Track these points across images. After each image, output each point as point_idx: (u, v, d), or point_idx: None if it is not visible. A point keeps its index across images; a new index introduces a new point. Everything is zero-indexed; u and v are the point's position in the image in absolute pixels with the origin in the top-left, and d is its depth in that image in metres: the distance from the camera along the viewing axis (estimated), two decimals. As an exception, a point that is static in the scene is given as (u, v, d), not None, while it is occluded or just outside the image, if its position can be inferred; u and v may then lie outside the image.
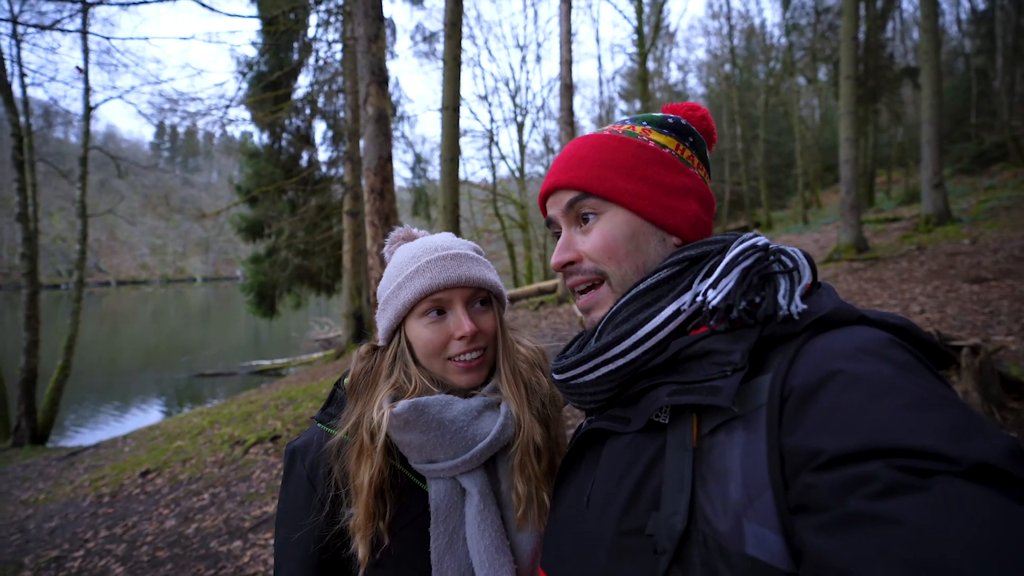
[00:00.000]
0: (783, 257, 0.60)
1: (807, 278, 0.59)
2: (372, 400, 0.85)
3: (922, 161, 10.51)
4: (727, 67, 27.91)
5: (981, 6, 21.82)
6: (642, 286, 0.65)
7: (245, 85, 13.24)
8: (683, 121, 0.75)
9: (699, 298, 0.60)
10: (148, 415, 11.19)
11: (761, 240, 0.62)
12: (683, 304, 0.61)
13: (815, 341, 0.52)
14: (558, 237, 0.78)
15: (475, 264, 0.89)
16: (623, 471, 0.59)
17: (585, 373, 0.66)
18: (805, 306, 0.55)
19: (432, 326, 0.86)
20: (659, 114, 0.76)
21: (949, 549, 0.34)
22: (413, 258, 0.90)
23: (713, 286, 0.59)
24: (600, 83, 30.62)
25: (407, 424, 0.80)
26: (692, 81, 37.40)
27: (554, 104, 25.47)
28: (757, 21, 29.65)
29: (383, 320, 0.91)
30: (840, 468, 0.42)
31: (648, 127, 0.74)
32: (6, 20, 9.33)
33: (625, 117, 0.78)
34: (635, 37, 20.47)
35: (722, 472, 0.50)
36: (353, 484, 0.81)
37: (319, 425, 0.89)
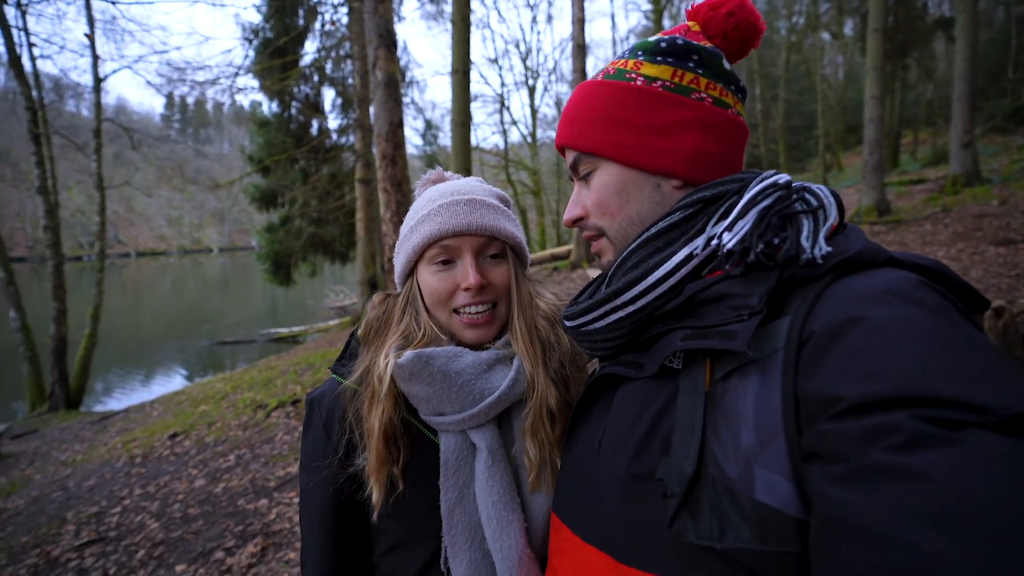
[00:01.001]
0: (807, 195, 0.57)
1: (833, 218, 0.55)
2: (381, 348, 0.84)
3: (952, 119, 10.04)
4: (748, 22, 26.53)
5: (1026, -51, 20.30)
6: (653, 230, 0.63)
7: (252, 52, 13.06)
8: (680, 40, 0.66)
9: (713, 241, 0.57)
10: (172, 381, 11.61)
11: (783, 178, 0.58)
12: (695, 248, 0.58)
13: (839, 283, 0.49)
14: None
15: (490, 212, 0.85)
16: (635, 416, 0.59)
17: (596, 320, 0.64)
18: (830, 248, 0.52)
19: (439, 274, 0.83)
20: (654, 39, 0.68)
21: (982, 507, 0.32)
22: (429, 201, 0.87)
23: (729, 228, 0.56)
24: (614, 43, 29.45)
25: (412, 375, 0.79)
26: (711, 38, 35.82)
27: (566, 66, 24.71)
28: (781, -28, 27.98)
29: (397, 263, 0.89)
30: (861, 416, 0.39)
31: (641, 59, 0.68)
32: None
33: (626, 49, 0.72)
34: (651, -8, 19.54)
35: (734, 417, 0.49)
36: (366, 426, 0.82)
37: (334, 376, 0.89)
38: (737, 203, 0.58)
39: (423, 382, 0.79)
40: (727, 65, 0.68)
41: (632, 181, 0.68)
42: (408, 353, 0.80)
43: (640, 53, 0.69)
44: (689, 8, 0.71)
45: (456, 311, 0.84)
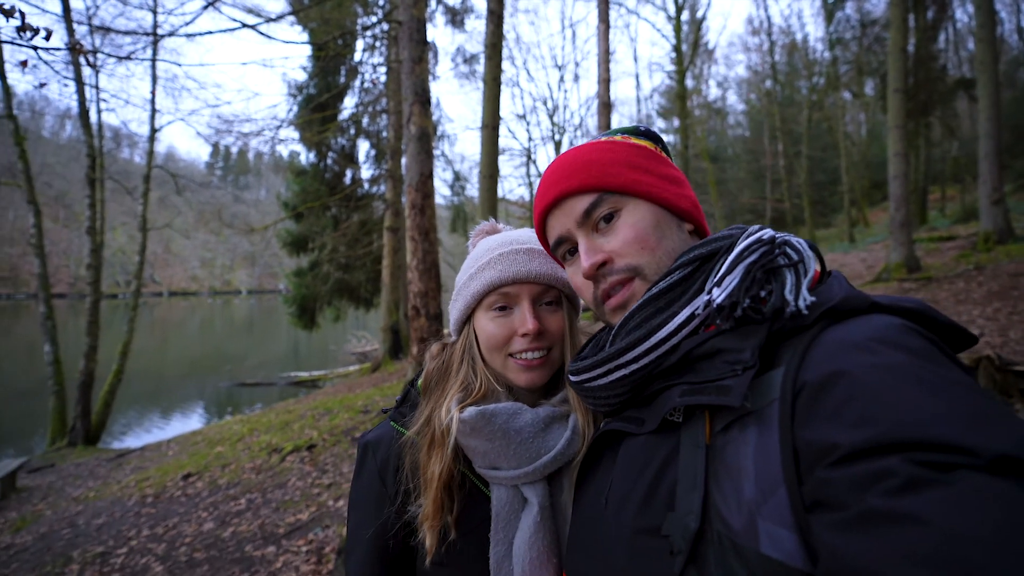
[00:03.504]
0: (788, 249, 0.59)
1: (813, 269, 0.58)
2: (443, 399, 0.86)
3: (980, 176, 9.92)
4: (768, 83, 27.39)
5: (1045, 15, 20.68)
6: (655, 290, 0.65)
7: (295, 107, 13.96)
8: (652, 129, 0.78)
9: (706, 298, 0.59)
10: (191, 421, 11.67)
11: (767, 233, 0.61)
12: (697, 308, 0.60)
13: (827, 333, 0.51)
14: (567, 258, 0.76)
15: (547, 261, 0.87)
16: (639, 471, 0.59)
17: (600, 376, 0.66)
18: (813, 298, 0.54)
19: (497, 320, 0.85)
20: (628, 126, 0.79)
21: (977, 548, 0.33)
22: (488, 250, 0.90)
23: (718, 284, 0.59)
24: (638, 101, 30.55)
25: (473, 431, 0.81)
26: (732, 98, 36.93)
27: (591, 123, 25.61)
28: (799, 36, 28.95)
29: (454, 311, 0.92)
30: (857, 463, 0.40)
31: (626, 135, 0.76)
32: (89, 52, 10.19)
33: (597, 134, 0.81)
34: (673, 55, 20.44)
35: (735, 469, 0.49)
36: (424, 476, 0.83)
37: (392, 424, 0.91)
38: (726, 259, 0.61)
39: (483, 438, 0.81)
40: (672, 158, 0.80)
41: (664, 218, 0.71)
42: (471, 409, 0.82)
43: (622, 132, 0.77)
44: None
45: (511, 355, 0.85)
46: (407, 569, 0.87)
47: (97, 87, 11.40)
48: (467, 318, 0.90)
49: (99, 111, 11.58)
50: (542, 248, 0.88)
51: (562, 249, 0.75)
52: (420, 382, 0.92)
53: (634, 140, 0.75)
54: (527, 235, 0.92)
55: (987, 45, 9.88)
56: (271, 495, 4.57)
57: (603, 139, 0.76)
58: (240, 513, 4.28)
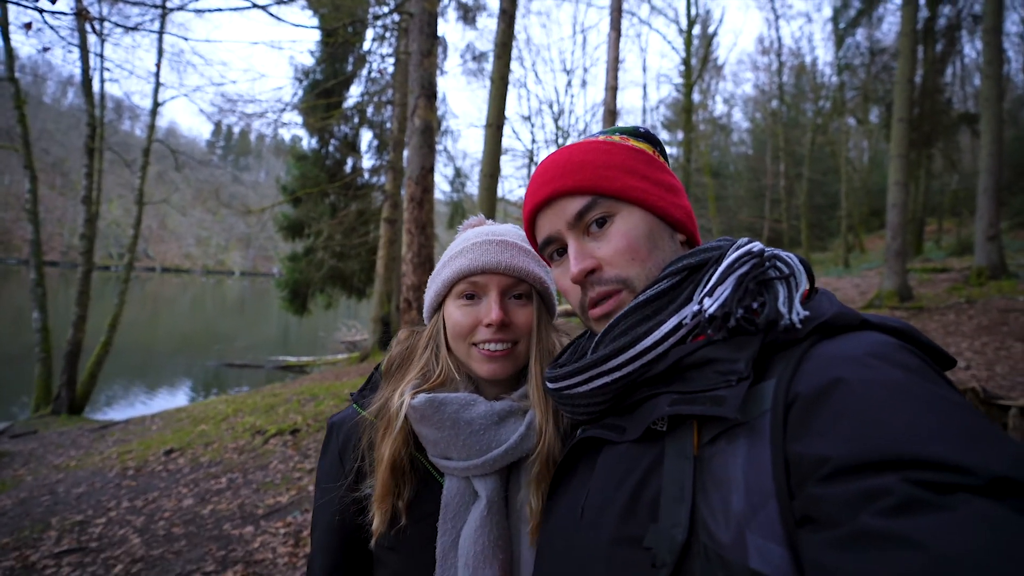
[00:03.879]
0: (779, 263, 0.59)
1: (804, 283, 0.58)
2: (400, 384, 0.87)
3: (977, 211, 10.05)
4: (774, 103, 27.58)
5: (1050, 57, 20.98)
6: (641, 298, 0.63)
7: (300, 91, 13.91)
8: (651, 131, 0.76)
9: (696, 307, 0.58)
10: (176, 398, 11.60)
11: (756, 246, 0.61)
12: (684, 318, 0.59)
13: (820, 346, 0.50)
14: (555, 258, 0.73)
15: (520, 254, 0.86)
16: (619, 481, 0.57)
17: (579, 384, 0.64)
18: (807, 312, 0.53)
19: (464, 308, 0.86)
20: (627, 126, 0.77)
21: (972, 574, 0.32)
22: (464, 240, 0.91)
23: (709, 294, 0.58)
24: (644, 111, 30.67)
25: (423, 418, 0.81)
26: (737, 115, 37.11)
27: (596, 129, 25.67)
28: (808, 59, 29.19)
29: (427, 297, 0.93)
30: (850, 479, 0.39)
31: (625, 136, 0.74)
32: (96, 19, 10.11)
33: (596, 131, 0.79)
34: (682, 68, 20.54)
35: (724, 482, 0.48)
36: (376, 455, 0.84)
37: (355, 406, 0.92)
38: (716, 270, 0.60)
39: (433, 426, 0.81)
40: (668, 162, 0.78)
41: (657, 228, 0.69)
42: (422, 396, 0.82)
43: (620, 133, 0.76)
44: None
45: (475, 344, 0.85)
46: (364, 546, 0.88)
47: (102, 56, 11.33)
48: (438, 305, 0.91)
49: (102, 80, 11.51)
50: (518, 242, 0.88)
51: (550, 249, 0.73)
52: (383, 366, 0.93)
53: (632, 142, 0.73)
54: (506, 228, 0.92)
55: (993, 82, 10.02)
56: (252, 476, 4.56)
57: (600, 138, 0.73)
58: (220, 492, 4.27)
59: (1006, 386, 5.00)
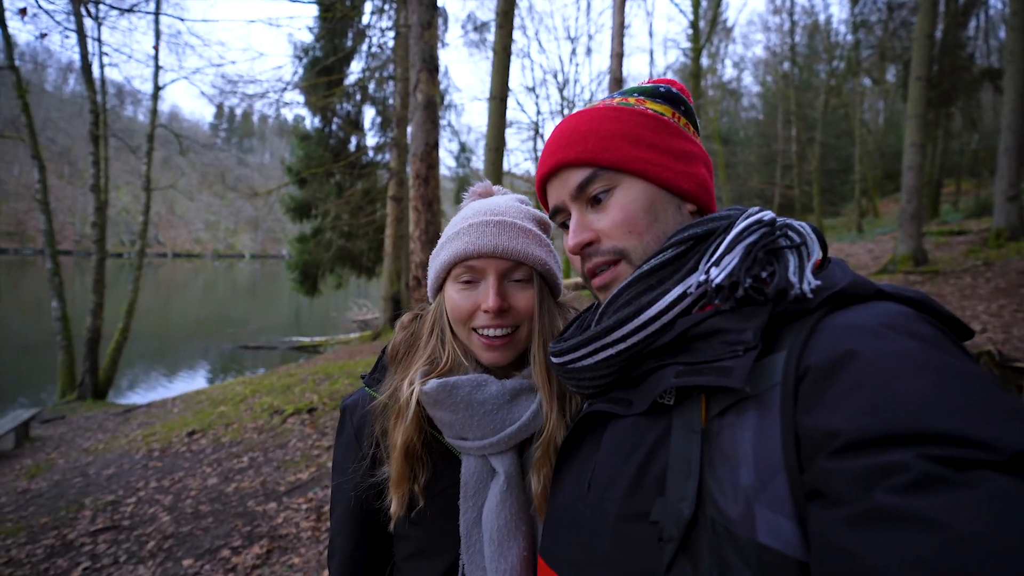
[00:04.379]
0: (790, 232, 0.56)
1: (816, 253, 0.55)
2: (408, 371, 0.86)
3: (998, 171, 9.75)
4: (786, 65, 26.69)
5: (1078, 5, 19.93)
6: (645, 267, 0.62)
7: (301, 69, 13.71)
8: (674, 90, 0.73)
9: (702, 277, 0.56)
10: (194, 381, 11.88)
11: (767, 215, 0.59)
12: (689, 287, 0.58)
13: (833, 317, 0.49)
14: (565, 228, 0.73)
15: (519, 235, 0.83)
16: (626, 454, 0.56)
17: (584, 357, 0.63)
18: (819, 282, 0.51)
19: (463, 292, 0.84)
20: (649, 84, 0.74)
21: (995, 556, 0.31)
22: (463, 218, 0.87)
23: (716, 264, 0.56)
24: (650, 78, 29.82)
25: (436, 403, 0.81)
26: (747, 79, 36.05)
27: (602, 98, 25.09)
28: (822, 17, 28.15)
29: (429, 277, 0.91)
30: (863, 453, 0.38)
31: (642, 97, 0.72)
32: (90, 1, 9.97)
33: (615, 92, 0.75)
34: (690, 32, 19.88)
35: (732, 455, 0.47)
36: (389, 442, 0.85)
37: (366, 389, 0.92)
38: (724, 239, 0.58)
39: (447, 409, 0.81)
40: (698, 122, 0.75)
41: (659, 199, 0.67)
42: (433, 381, 0.82)
43: (638, 94, 0.73)
44: (656, 78, 0.77)
45: (475, 330, 0.84)
46: (383, 526, 0.89)
47: (99, 40, 11.19)
48: (439, 287, 0.89)
49: (102, 66, 11.39)
50: (517, 221, 0.85)
51: (559, 218, 0.73)
52: (388, 351, 0.92)
53: (649, 105, 0.71)
54: (507, 205, 0.89)
55: (1019, 34, 9.57)
56: (272, 454, 4.69)
57: (615, 101, 0.72)
58: (243, 470, 4.40)
59: (1023, 348, 4.94)
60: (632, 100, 0.72)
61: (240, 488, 4.03)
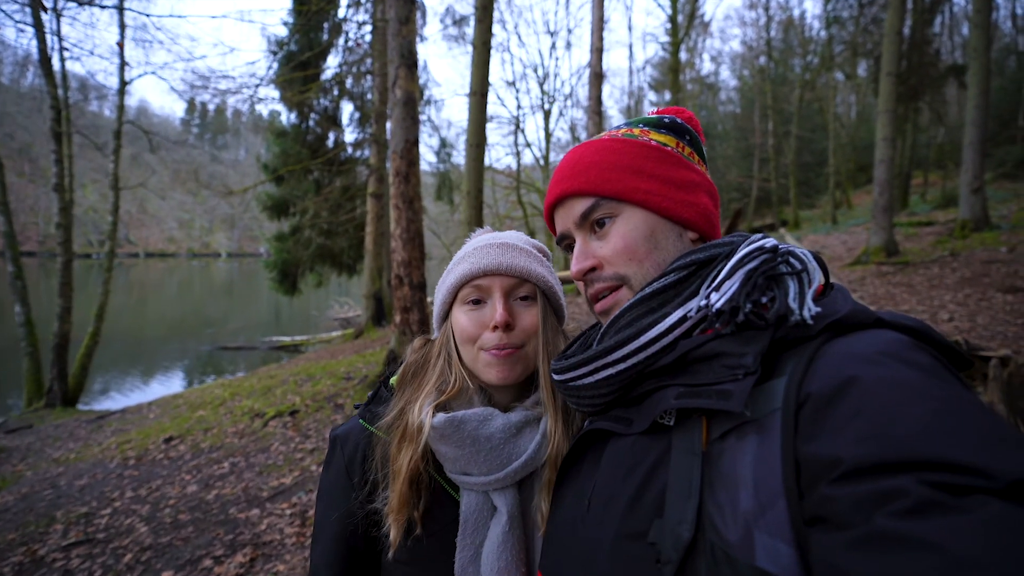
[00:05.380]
0: (791, 259, 0.58)
1: (818, 280, 0.56)
2: (418, 394, 0.87)
3: (962, 164, 10.09)
4: (762, 60, 27.12)
5: (1038, 2, 20.70)
6: (648, 290, 0.64)
7: (275, 64, 13.37)
8: (679, 120, 0.76)
9: (702, 302, 0.58)
10: (171, 384, 11.58)
11: (769, 242, 0.60)
12: (690, 311, 0.59)
13: (833, 344, 0.50)
14: (570, 251, 0.76)
15: (522, 255, 0.87)
16: (625, 473, 0.58)
17: (586, 375, 0.65)
18: (819, 308, 0.53)
19: (470, 313, 0.86)
20: (654, 115, 0.77)
21: None
22: (468, 246, 0.92)
23: (717, 289, 0.58)
24: (630, 72, 30.06)
25: (443, 437, 0.81)
26: (725, 73, 36.58)
27: (582, 92, 25.14)
28: (796, 12, 28.77)
29: (435, 306, 0.93)
30: (864, 480, 0.39)
31: (646, 128, 0.75)
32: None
33: (620, 123, 0.80)
34: (668, 26, 20.01)
35: (732, 479, 0.47)
36: (392, 468, 0.83)
37: (361, 421, 0.91)
38: (726, 265, 0.59)
39: (453, 444, 0.81)
40: (704, 150, 0.78)
41: (659, 228, 0.70)
42: (441, 416, 0.82)
43: (643, 125, 0.76)
44: (664, 108, 0.80)
45: (483, 349, 0.85)
46: (370, 561, 0.88)
47: (59, 35, 10.73)
48: (445, 314, 0.91)
49: (62, 60, 10.87)
50: (520, 244, 0.90)
51: (564, 244, 0.77)
52: (395, 379, 0.93)
53: (653, 136, 0.74)
54: (509, 233, 0.94)
55: (982, 31, 9.89)
56: (254, 459, 4.60)
57: (618, 134, 0.75)
58: (223, 476, 4.31)
59: (986, 336, 5.13)
60: (636, 131, 0.75)
61: (221, 495, 3.94)
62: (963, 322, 5.61)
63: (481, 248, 0.88)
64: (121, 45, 11.59)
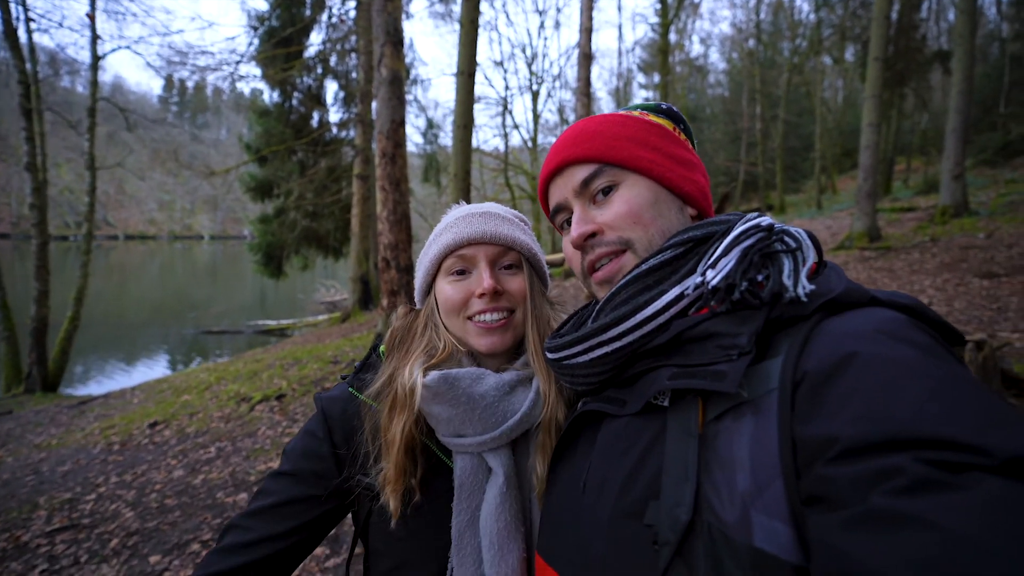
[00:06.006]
0: (786, 237, 0.58)
1: (812, 258, 0.56)
2: (406, 360, 0.84)
3: (945, 151, 10.23)
4: (751, 42, 26.98)
5: (1023, -12, 20.82)
6: (644, 267, 0.63)
7: (256, 40, 12.99)
8: (674, 108, 0.78)
9: (699, 279, 0.58)
10: (155, 369, 11.43)
11: (765, 220, 0.60)
12: (687, 288, 0.59)
13: (828, 323, 0.49)
14: (565, 228, 0.75)
15: (504, 223, 0.86)
16: (619, 455, 0.57)
17: (580, 353, 0.64)
18: (813, 286, 0.52)
19: (455, 283, 0.85)
20: (651, 102, 0.79)
21: (986, 556, 0.32)
22: (445, 219, 0.90)
23: (712, 266, 0.57)
24: (619, 54, 29.76)
25: (436, 396, 0.79)
26: (714, 56, 36.44)
27: (571, 74, 24.88)
28: (786, -6, 28.41)
29: (417, 280, 0.91)
30: (861, 459, 0.39)
31: (645, 112, 0.77)
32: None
33: (614, 109, 0.82)
34: (658, 7, 19.75)
35: (728, 460, 0.47)
36: (384, 438, 0.81)
37: (349, 389, 0.87)
38: (722, 243, 0.59)
39: (446, 403, 0.79)
40: (695, 142, 0.80)
41: (663, 197, 0.70)
42: (434, 374, 0.80)
43: (641, 109, 0.78)
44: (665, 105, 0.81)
45: (470, 318, 0.84)
46: (321, 531, 0.85)
47: (24, 4, 10.22)
48: (428, 287, 0.89)
49: (28, 32, 10.39)
50: (502, 213, 0.89)
51: (560, 218, 0.75)
52: (383, 345, 0.90)
53: (652, 117, 0.75)
54: (488, 204, 0.92)
55: (967, 17, 9.93)
56: (241, 444, 4.58)
57: (620, 112, 0.75)
58: (210, 461, 4.29)
59: (963, 320, 5.27)
60: (636, 113, 0.76)
61: (208, 480, 3.93)
62: (941, 307, 5.75)
63: (463, 218, 0.86)
64: (92, 17, 11.12)
